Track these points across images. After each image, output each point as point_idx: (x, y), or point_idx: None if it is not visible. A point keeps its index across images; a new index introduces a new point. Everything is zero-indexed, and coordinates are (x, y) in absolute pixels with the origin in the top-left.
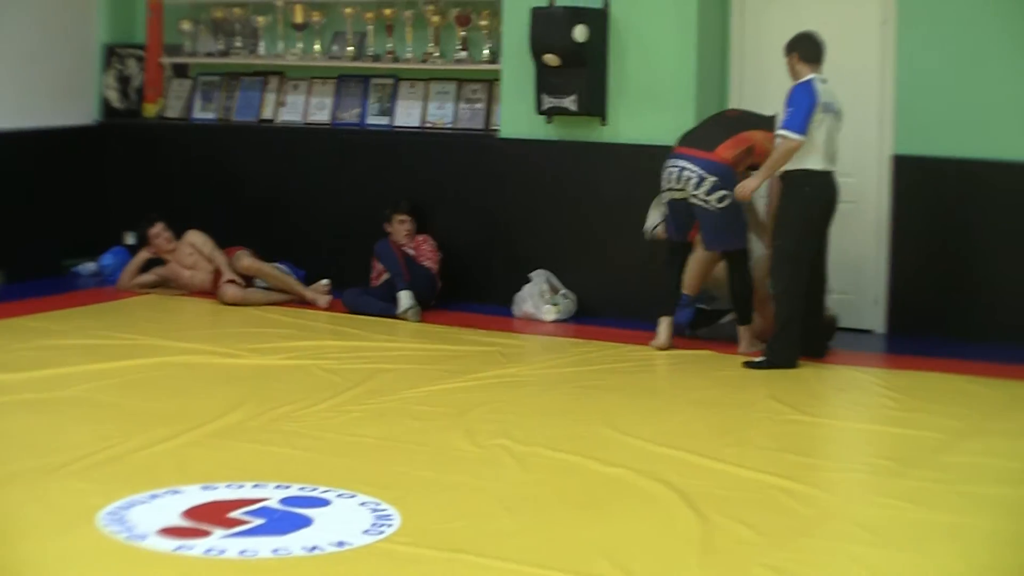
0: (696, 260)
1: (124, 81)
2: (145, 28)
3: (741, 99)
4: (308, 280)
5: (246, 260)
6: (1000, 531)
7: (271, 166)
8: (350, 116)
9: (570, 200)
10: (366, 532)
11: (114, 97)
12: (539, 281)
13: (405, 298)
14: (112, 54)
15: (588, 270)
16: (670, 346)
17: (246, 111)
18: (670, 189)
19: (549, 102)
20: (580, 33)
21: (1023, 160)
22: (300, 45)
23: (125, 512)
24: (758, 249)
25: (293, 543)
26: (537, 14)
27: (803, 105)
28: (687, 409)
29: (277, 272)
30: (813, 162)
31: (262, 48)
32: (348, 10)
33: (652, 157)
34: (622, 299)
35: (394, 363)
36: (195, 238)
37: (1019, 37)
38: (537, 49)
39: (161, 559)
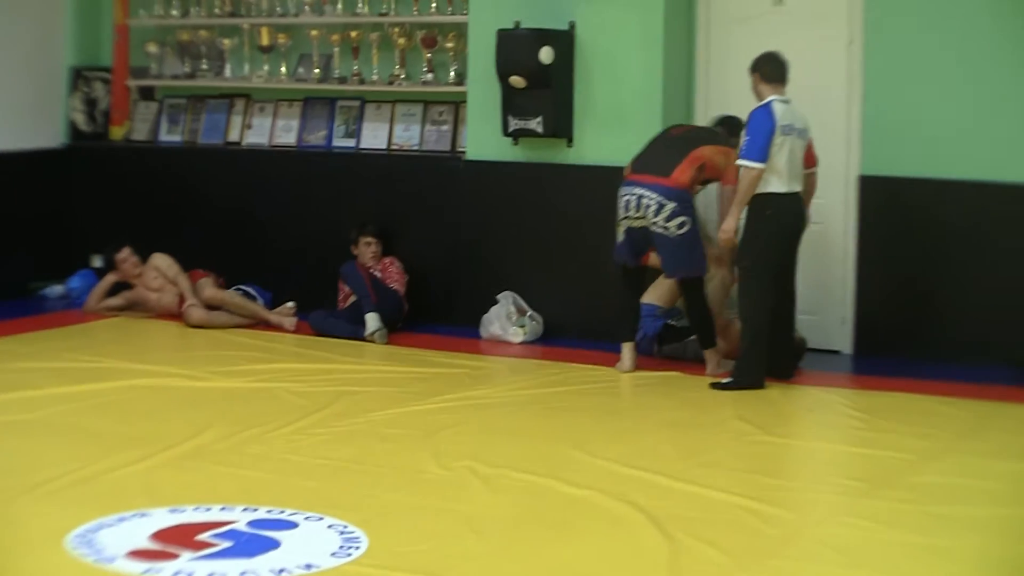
0: (665, 280)
1: (91, 104)
2: (112, 51)
3: (707, 120)
4: (274, 302)
5: (208, 291)
6: (969, 551)
7: (237, 188)
8: (316, 138)
9: (537, 222)
10: (334, 555)
11: (81, 120)
12: (506, 303)
13: (372, 320)
14: (79, 77)
15: (555, 291)
16: (635, 369)
17: (212, 133)
18: (627, 217)
19: (515, 124)
20: (546, 55)
21: (989, 180)
22: (266, 67)
23: (94, 535)
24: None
25: (261, 566)
26: (503, 36)
27: (761, 131)
28: (655, 430)
29: (240, 300)
30: (775, 185)
31: (228, 70)
32: (314, 32)
33: (618, 178)
34: (589, 320)
35: (361, 385)
36: (160, 261)
37: (984, 58)
38: (503, 71)
39: None
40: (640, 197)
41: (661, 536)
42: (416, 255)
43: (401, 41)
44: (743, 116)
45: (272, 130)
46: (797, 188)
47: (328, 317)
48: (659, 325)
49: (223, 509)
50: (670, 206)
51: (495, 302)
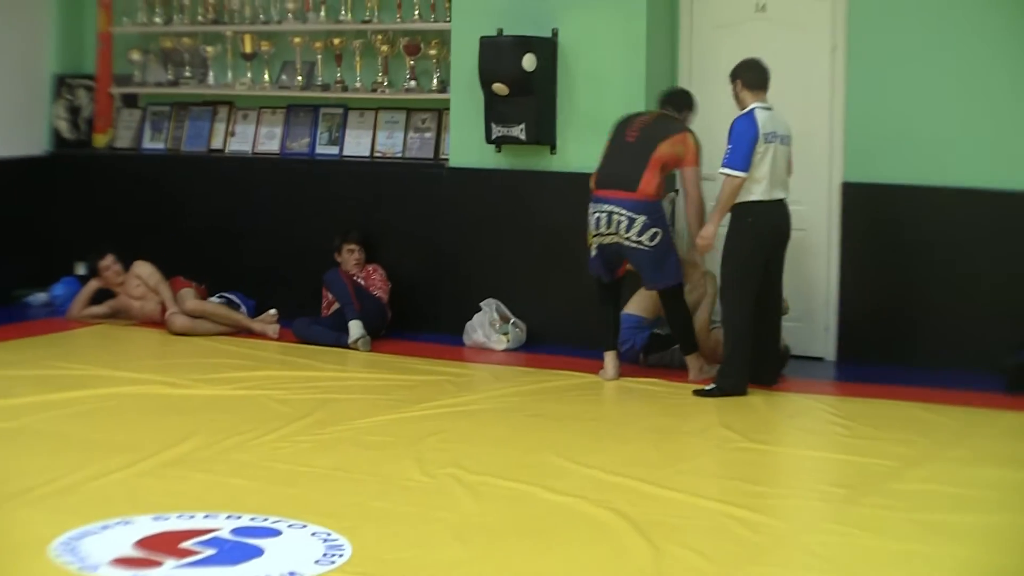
0: (646, 291)
1: (74, 111)
2: (95, 58)
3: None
4: (258, 310)
5: (190, 303)
6: (951, 558)
7: (221, 196)
8: (299, 146)
9: (520, 229)
10: (317, 562)
11: (64, 127)
12: (489, 310)
13: (355, 328)
14: (62, 84)
15: (538, 299)
16: (618, 377)
17: (195, 141)
18: (599, 234)
19: (498, 131)
20: (529, 62)
21: (972, 186)
22: (249, 75)
23: (77, 542)
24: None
25: (245, 573)
26: (486, 43)
27: (744, 140)
28: (638, 437)
29: (222, 310)
30: (757, 193)
31: (211, 78)
32: (297, 40)
33: None
34: (572, 328)
35: (345, 393)
36: (141, 269)
37: (967, 65)
38: (486, 78)
39: None
40: (610, 214)
41: (645, 543)
42: (399, 262)
43: (384, 48)
44: (727, 124)
45: (255, 137)
46: (780, 195)
47: (311, 324)
48: (646, 336)
49: (207, 517)
50: (640, 219)
51: (478, 309)
